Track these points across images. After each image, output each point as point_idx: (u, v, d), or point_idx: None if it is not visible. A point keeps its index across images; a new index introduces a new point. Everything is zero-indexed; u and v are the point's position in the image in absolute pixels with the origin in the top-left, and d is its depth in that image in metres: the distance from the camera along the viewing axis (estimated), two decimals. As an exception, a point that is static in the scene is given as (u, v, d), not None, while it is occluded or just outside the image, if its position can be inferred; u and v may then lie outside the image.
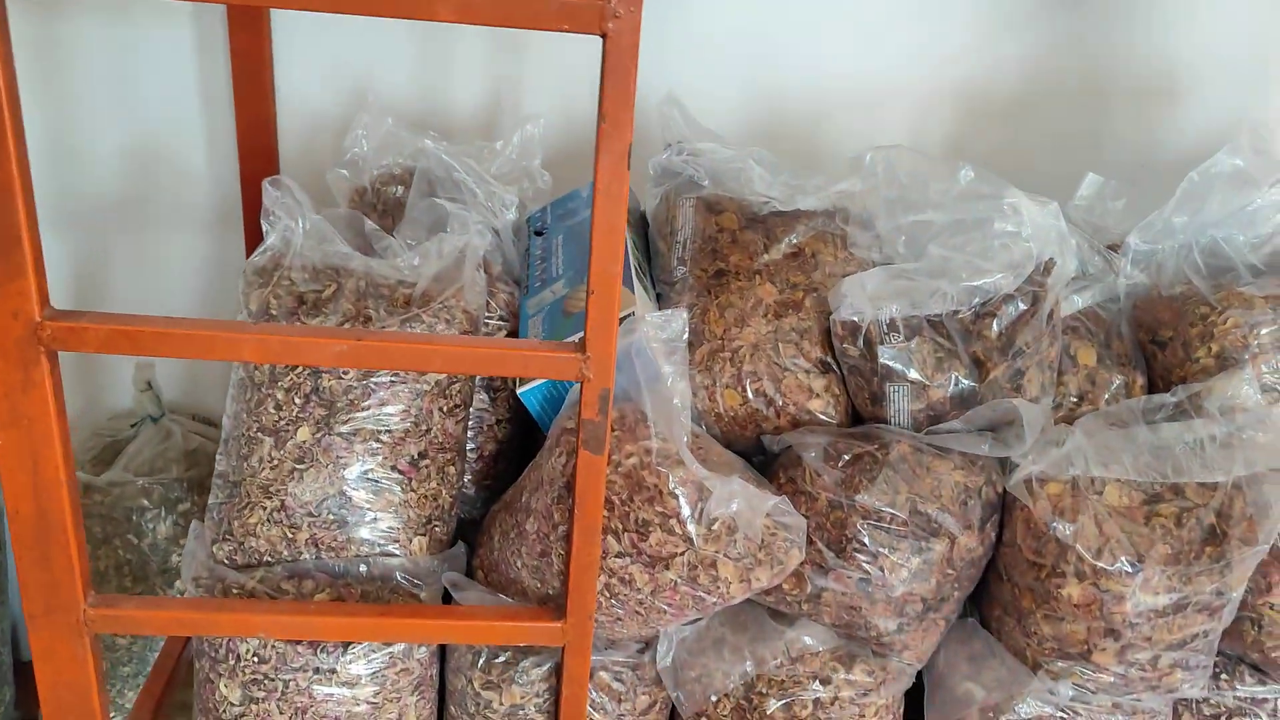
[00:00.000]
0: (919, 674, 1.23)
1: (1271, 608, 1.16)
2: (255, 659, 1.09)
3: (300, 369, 1.12)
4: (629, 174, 0.92)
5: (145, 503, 1.58)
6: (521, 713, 1.14)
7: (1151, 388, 1.27)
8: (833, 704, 1.16)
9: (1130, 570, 1.09)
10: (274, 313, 1.15)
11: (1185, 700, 1.23)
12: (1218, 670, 1.21)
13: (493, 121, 1.61)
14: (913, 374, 1.17)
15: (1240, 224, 1.24)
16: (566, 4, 0.87)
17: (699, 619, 1.17)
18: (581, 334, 0.96)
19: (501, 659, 1.14)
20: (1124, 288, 1.29)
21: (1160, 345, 1.26)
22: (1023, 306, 1.18)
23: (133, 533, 1.56)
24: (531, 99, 1.60)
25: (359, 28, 1.54)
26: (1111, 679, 1.14)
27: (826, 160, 1.70)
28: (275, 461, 1.11)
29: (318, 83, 1.57)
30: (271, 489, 1.11)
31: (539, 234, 1.40)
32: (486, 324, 1.28)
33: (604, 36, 0.87)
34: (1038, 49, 1.67)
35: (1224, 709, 1.22)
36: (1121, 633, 1.11)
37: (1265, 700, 1.20)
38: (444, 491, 1.17)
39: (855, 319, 1.18)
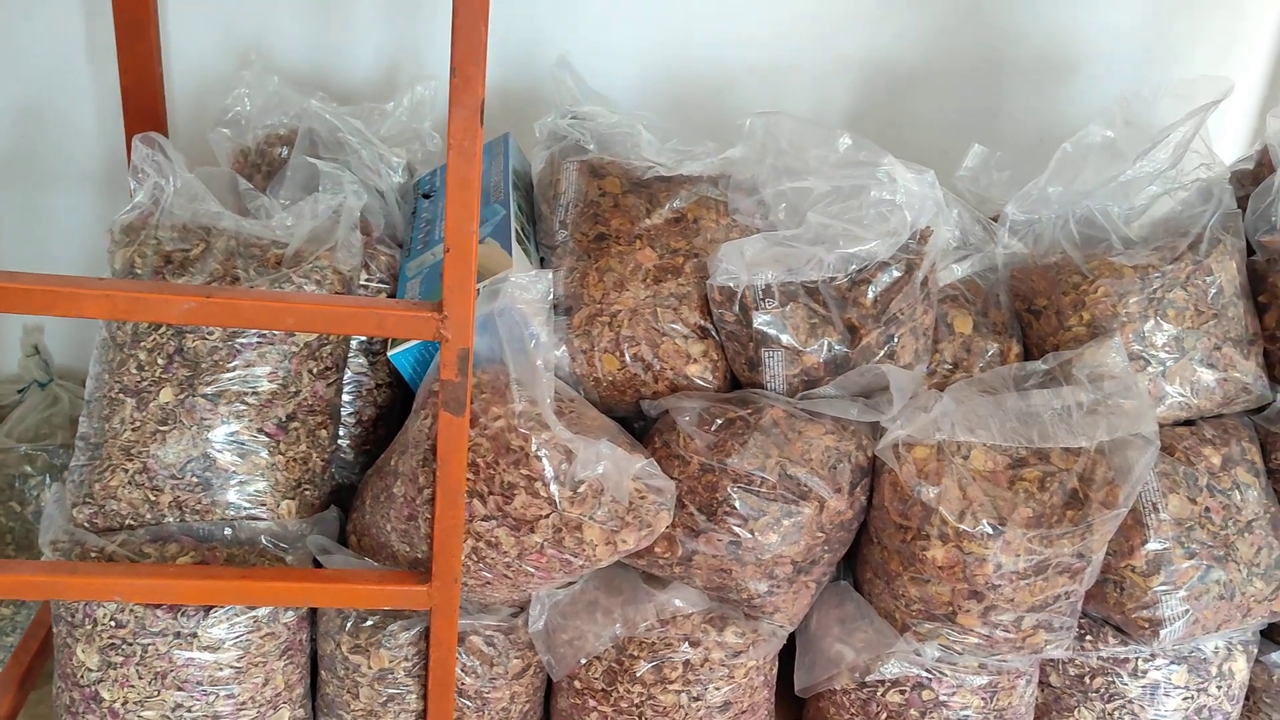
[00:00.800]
0: (792, 636, 1.25)
1: (1133, 570, 1.19)
2: (113, 624, 1.07)
3: (164, 329, 1.10)
4: (482, 129, 0.91)
5: (29, 469, 1.54)
6: (390, 676, 1.14)
7: (1027, 355, 1.29)
8: (703, 665, 1.17)
9: (991, 532, 1.11)
10: (138, 271, 1.13)
11: (1051, 661, 1.26)
12: (1082, 631, 1.24)
13: (389, 83, 1.59)
14: (786, 339, 1.17)
15: (1113, 194, 1.26)
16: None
17: (570, 582, 1.18)
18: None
19: (369, 623, 1.13)
20: (1002, 257, 1.31)
21: (1035, 314, 1.28)
22: (897, 274, 1.20)
23: (15, 500, 1.53)
24: (427, 62, 1.58)
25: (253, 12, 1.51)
26: (976, 640, 1.16)
27: (728, 126, 1.70)
28: (137, 423, 1.09)
29: (210, 41, 1.54)
30: (133, 451, 1.09)
31: (427, 196, 1.39)
32: (366, 286, 1.26)
33: None
34: (940, 22, 1.68)
35: (1088, 669, 1.25)
36: (984, 594, 1.13)
37: (1127, 660, 1.23)
38: (314, 455, 1.15)
39: (731, 284, 1.18)
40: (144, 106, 1.46)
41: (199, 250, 1.14)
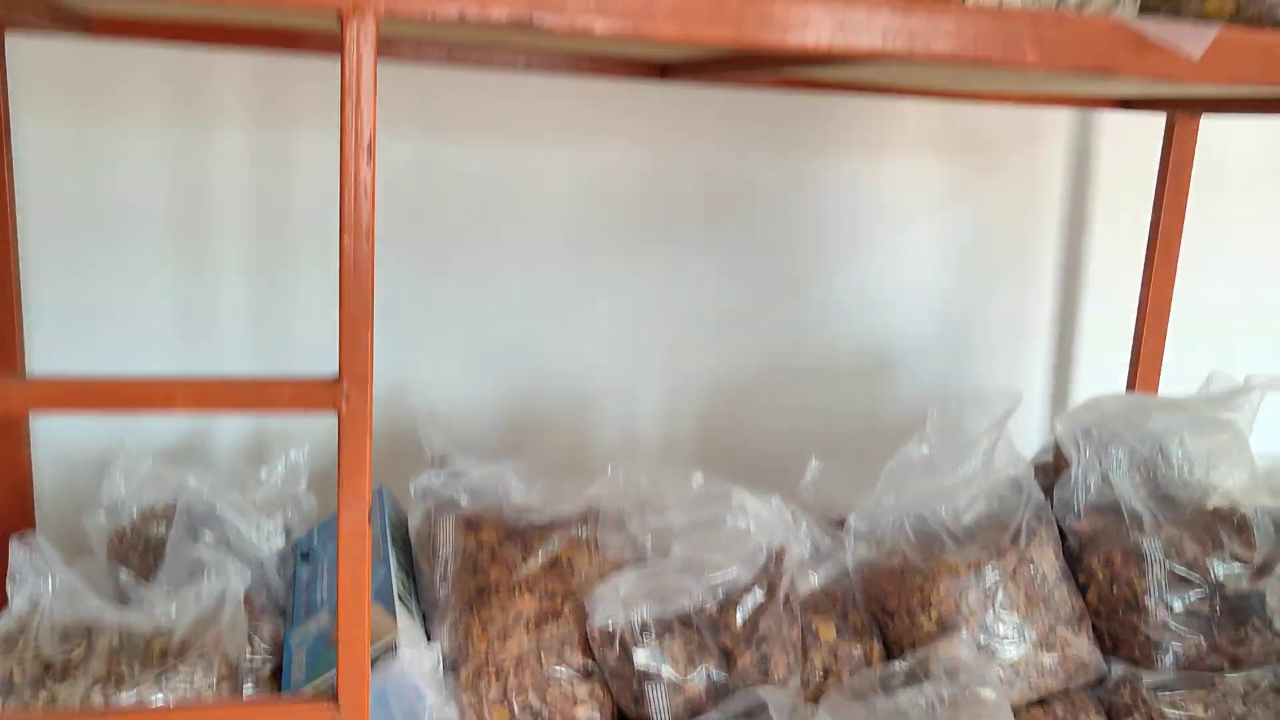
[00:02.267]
0: None
1: None
2: None
3: (46, 743, 1.08)
4: (370, 529, 0.98)
5: None
6: None
7: (888, 652, 1.39)
8: None
9: (881, 846, 1.16)
10: (17, 682, 1.12)
11: None
12: None
13: (260, 445, 1.66)
14: (667, 672, 1.24)
15: (940, 499, 1.41)
16: (302, 389, 0.95)
17: None
18: (334, 681, 0.99)
19: None
20: (852, 563, 1.43)
21: (889, 615, 1.39)
22: (761, 595, 1.29)
23: None
24: (297, 421, 1.66)
25: (119, 360, 1.58)
26: None
27: (589, 450, 1.83)
28: None
29: (75, 422, 1.58)
30: None
31: (305, 558, 1.43)
32: (251, 660, 1.28)
33: (339, 416, 0.95)
34: (770, 336, 1.88)
35: None
36: None
37: None
38: None
39: (610, 625, 1.25)
40: (13, 502, 1.48)
41: (80, 652, 1.15)
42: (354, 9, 0.92)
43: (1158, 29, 1.10)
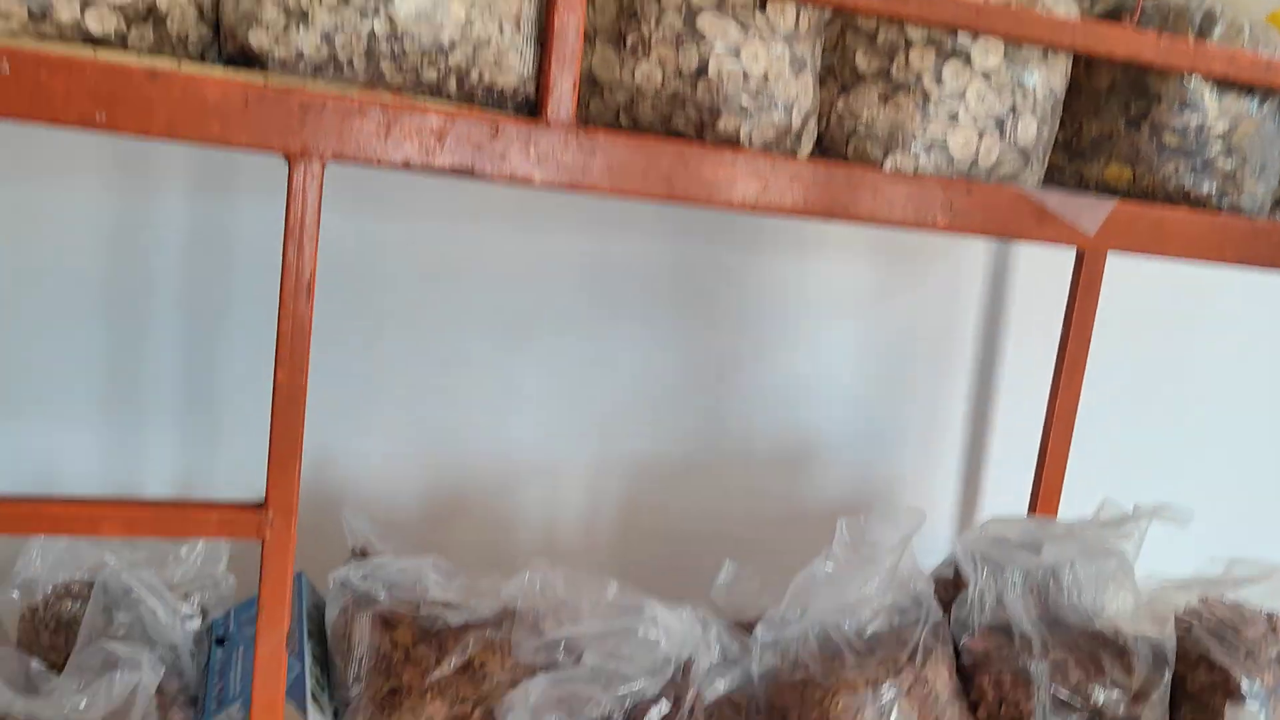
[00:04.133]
0: None
1: None
2: None
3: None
4: (287, 655, 1.01)
5: None
6: None
7: (788, 763, 1.44)
8: None
9: None
10: (-82, 778, 1.12)
11: None
12: None
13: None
14: (572, 785, 1.28)
15: (844, 614, 1.47)
16: (227, 516, 0.98)
17: None
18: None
19: None
20: (757, 673, 1.47)
21: (790, 725, 1.44)
22: (667, 708, 1.33)
23: None
24: (224, 485, 1.66)
25: (36, 431, 1.57)
26: None
27: (514, 526, 1.86)
28: None
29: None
30: None
31: (220, 642, 1.44)
32: (159, 754, 1.28)
33: (262, 542, 0.98)
34: (695, 422, 1.94)
35: None
36: None
37: None
38: None
39: (518, 733, 1.28)
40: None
41: (-15, 747, 1.15)
42: (301, 153, 0.95)
43: (1057, 203, 1.18)
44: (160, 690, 1.32)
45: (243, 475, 1.67)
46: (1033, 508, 1.88)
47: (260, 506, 0.97)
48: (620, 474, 1.93)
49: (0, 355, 1.54)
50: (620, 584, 1.39)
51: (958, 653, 1.52)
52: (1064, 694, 1.43)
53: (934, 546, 1.90)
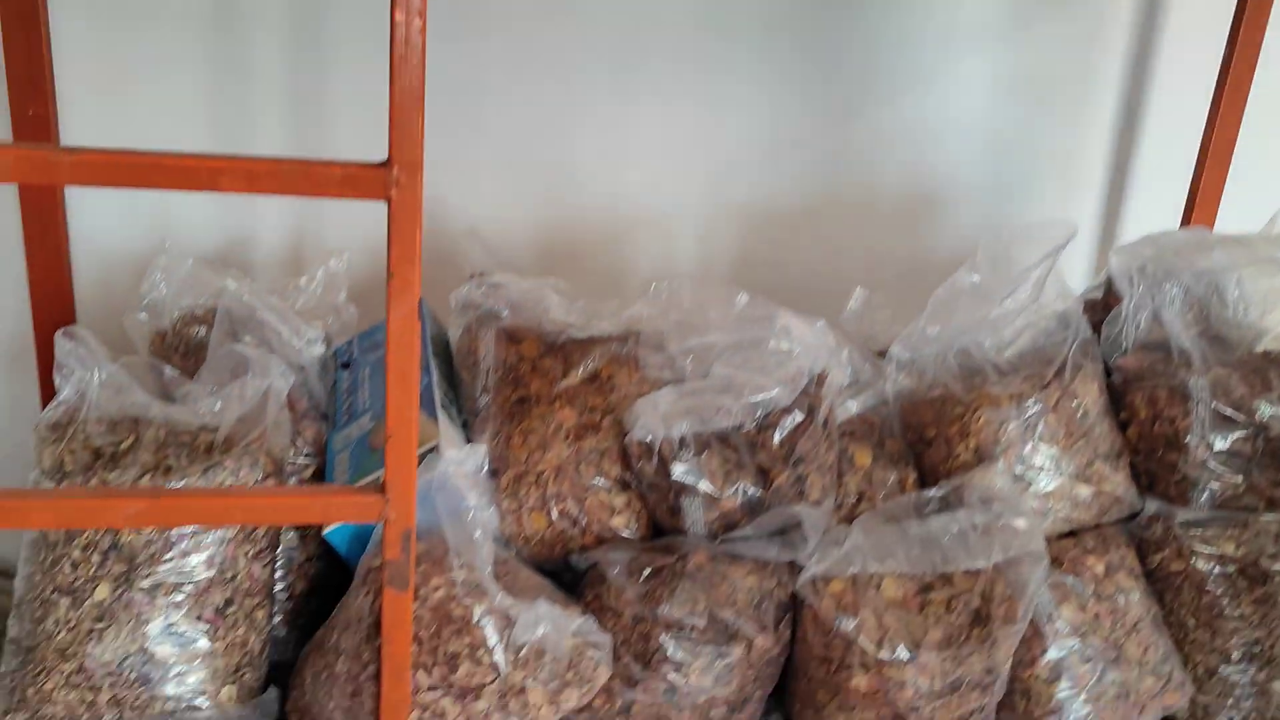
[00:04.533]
0: (730, 773, 1.29)
1: (1036, 678, 1.28)
2: (54, 832, 1.05)
3: (98, 525, 1.11)
4: (419, 324, 0.97)
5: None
6: None
7: (923, 481, 1.39)
8: (648, 812, 1.20)
9: (908, 657, 1.18)
10: (68, 469, 1.14)
11: (972, 772, 1.33)
12: (997, 741, 1.32)
13: (298, 255, 1.64)
14: (704, 486, 1.25)
15: (985, 330, 1.39)
16: (350, 174, 0.93)
17: (515, 742, 1.20)
18: (381, 476, 1.00)
19: (318, 803, 1.14)
20: (892, 392, 1.42)
21: (927, 443, 1.38)
22: (800, 417, 1.29)
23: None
24: (334, 232, 1.64)
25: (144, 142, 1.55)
26: (904, 760, 1.23)
27: (625, 277, 1.80)
28: (73, 622, 1.09)
29: (114, 223, 1.57)
30: (69, 651, 1.08)
31: (346, 367, 1.43)
32: (294, 462, 1.29)
33: (389, 202, 0.93)
34: (812, 169, 1.83)
35: (1006, 777, 1.32)
36: (906, 716, 1.20)
37: (1040, 765, 1.31)
38: (253, 637, 1.16)
39: (649, 438, 1.25)
40: (53, 292, 1.48)
41: (129, 443, 1.16)
42: None
43: None
44: (291, 404, 1.32)
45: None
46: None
47: (385, 165, 0.92)
48: (734, 225, 1.84)
49: (104, 70, 1.49)
50: (750, 294, 1.32)
51: (1108, 372, 1.43)
52: (1225, 409, 1.34)
53: (1073, 285, 1.78)
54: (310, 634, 1.27)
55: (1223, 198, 1.74)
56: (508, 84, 1.64)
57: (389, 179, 0.92)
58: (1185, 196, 1.77)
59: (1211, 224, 1.71)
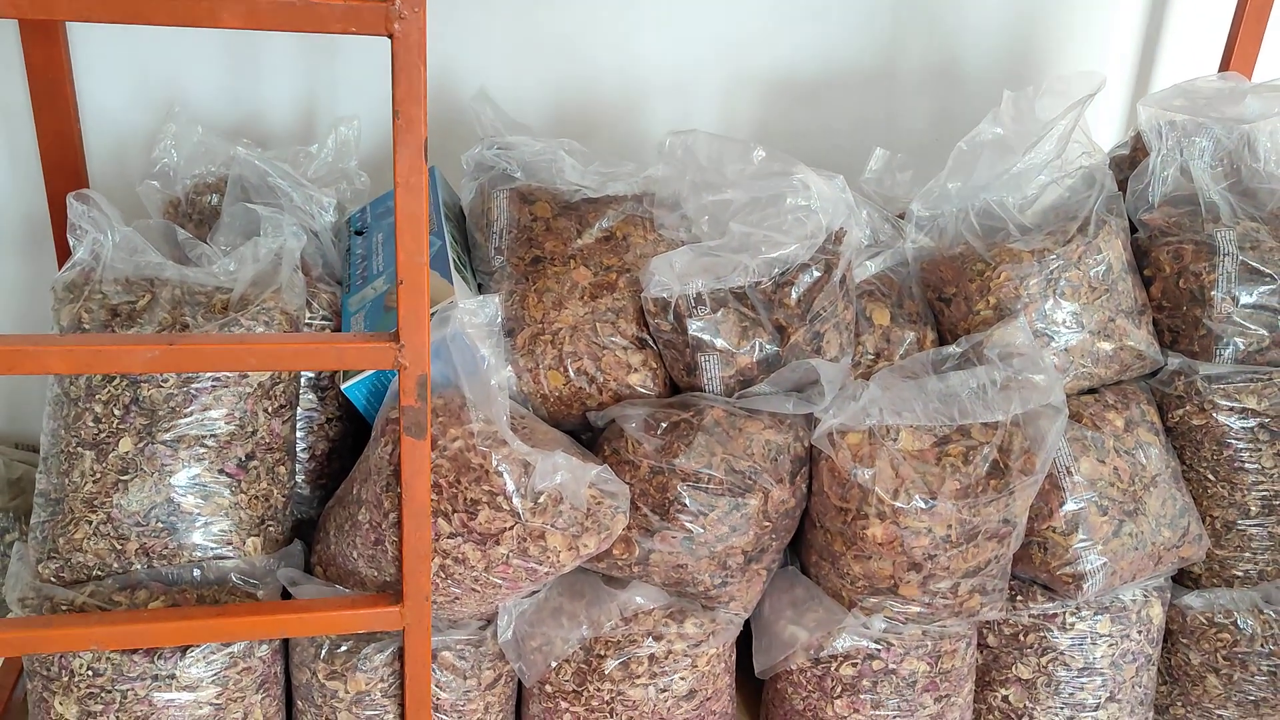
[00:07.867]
0: (747, 622, 1.31)
1: (1053, 530, 1.28)
2: (90, 673, 1.08)
3: (118, 380, 1.12)
4: (426, 165, 0.96)
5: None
6: (368, 699, 1.17)
7: (941, 340, 1.38)
8: (666, 657, 1.22)
9: (925, 506, 1.19)
10: (86, 327, 1.15)
11: (987, 623, 1.35)
12: (1013, 592, 1.33)
13: (309, 125, 1.62)
14: (720, 343, 1.24)
15: (1007, 186, 1.36)
16: (352, 7, 0.90)
17: (535, 591, 1.22)
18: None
19: (344, 648, 1.17)
20: (911, 251, 1.40)
21: (946, 301, 1.37)
22: (817, 274, 1.27)
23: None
24: (346, 101, 1.61)
25: (163, 35, 1.52)
26: (918, 609, 1.24)
27: (642, 146, 1.77)
28: (98, 475, 1.11)
29: (124, 94, 1.55)
30: (96, 502, 1.10)
31: (359, 233, 1.43)
32: (309, 324, 1.30)
33: (391, 37, 0.91)
34: (833, 34, 1.77)
35: (1021, 627, 1.34)
36: (923, 565, 1.21)
37: (1055, 615, 1.33)
38: (275, 491, 1.18)
39: (665, 295, 1.24)
40: (63, 162, 1.47)
41: (145, 301, 1.16)
42: None
43: None
44: (305, 269, 1.32)
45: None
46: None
47: None
48: (753, 94, 1.79)
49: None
50: (768, 149, 1.29)
51: (1133, 228, 1.41)
52: (1254, 261, 1.32)
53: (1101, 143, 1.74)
54: (331, 494, 1.29)
55: (1260, 54, 1.68)
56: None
57: (392, 13, 0.90)
58: (1220, 54, 1.71)
59: (1249, 72, 1.66)
